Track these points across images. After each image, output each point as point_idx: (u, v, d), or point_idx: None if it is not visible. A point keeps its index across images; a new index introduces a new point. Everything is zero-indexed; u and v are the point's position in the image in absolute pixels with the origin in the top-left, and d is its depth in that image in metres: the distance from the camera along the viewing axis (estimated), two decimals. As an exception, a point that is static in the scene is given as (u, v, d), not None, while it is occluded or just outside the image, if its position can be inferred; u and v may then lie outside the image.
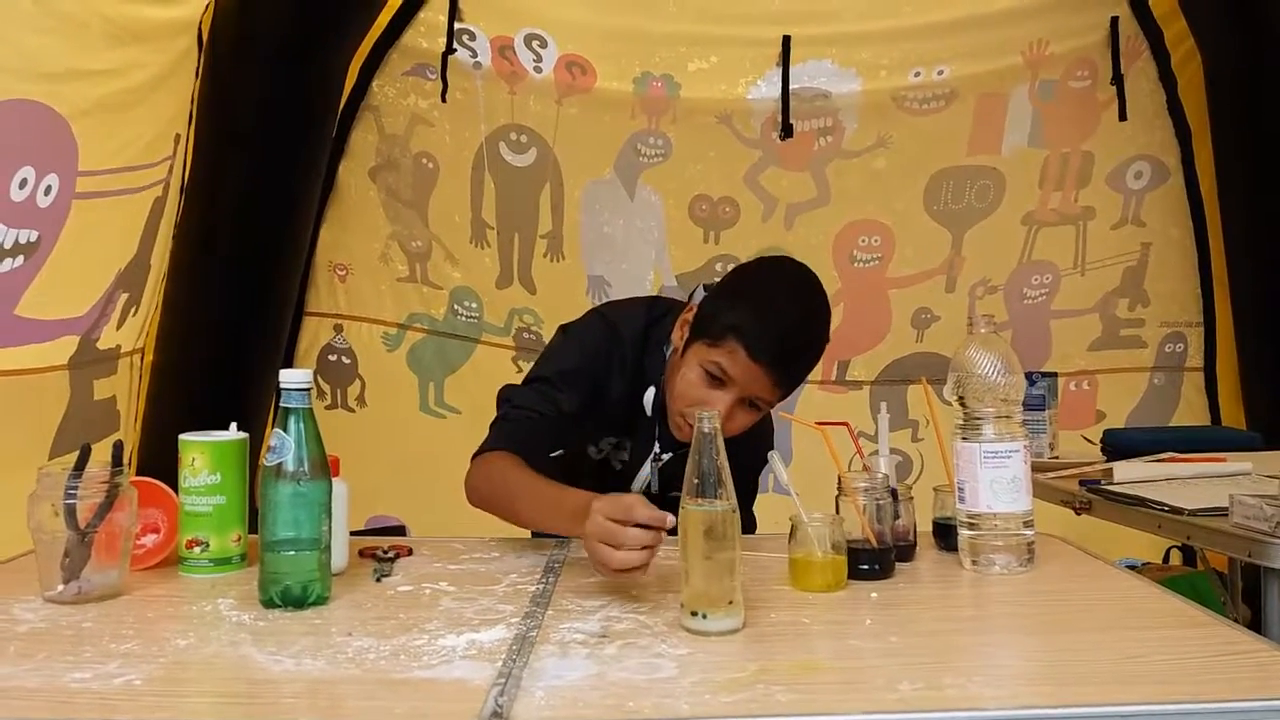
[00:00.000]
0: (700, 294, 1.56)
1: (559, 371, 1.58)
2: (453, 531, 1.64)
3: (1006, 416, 1.31)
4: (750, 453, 1.52)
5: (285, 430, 1.16)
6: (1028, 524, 1.30)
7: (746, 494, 1.77)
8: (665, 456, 1.64)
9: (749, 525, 1.79)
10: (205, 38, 2.31)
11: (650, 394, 1.60)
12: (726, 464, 1.09)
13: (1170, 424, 3.23)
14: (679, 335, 1.54)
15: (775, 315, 1.44)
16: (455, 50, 3.00)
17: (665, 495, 1.63)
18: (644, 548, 1.14)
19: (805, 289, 1.51)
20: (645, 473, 1.66)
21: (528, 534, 1.62)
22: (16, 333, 1.73)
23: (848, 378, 3.35)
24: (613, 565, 1.15)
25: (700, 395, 1.45)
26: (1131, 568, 2.78)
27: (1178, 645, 1.01)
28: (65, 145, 1.66)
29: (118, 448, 1.23)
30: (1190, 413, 3.30)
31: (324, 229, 3.17)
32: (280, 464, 1.15)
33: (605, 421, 1.63)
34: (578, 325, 1.67)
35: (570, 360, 1.60)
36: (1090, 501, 1.87)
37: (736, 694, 0.88)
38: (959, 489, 1.32)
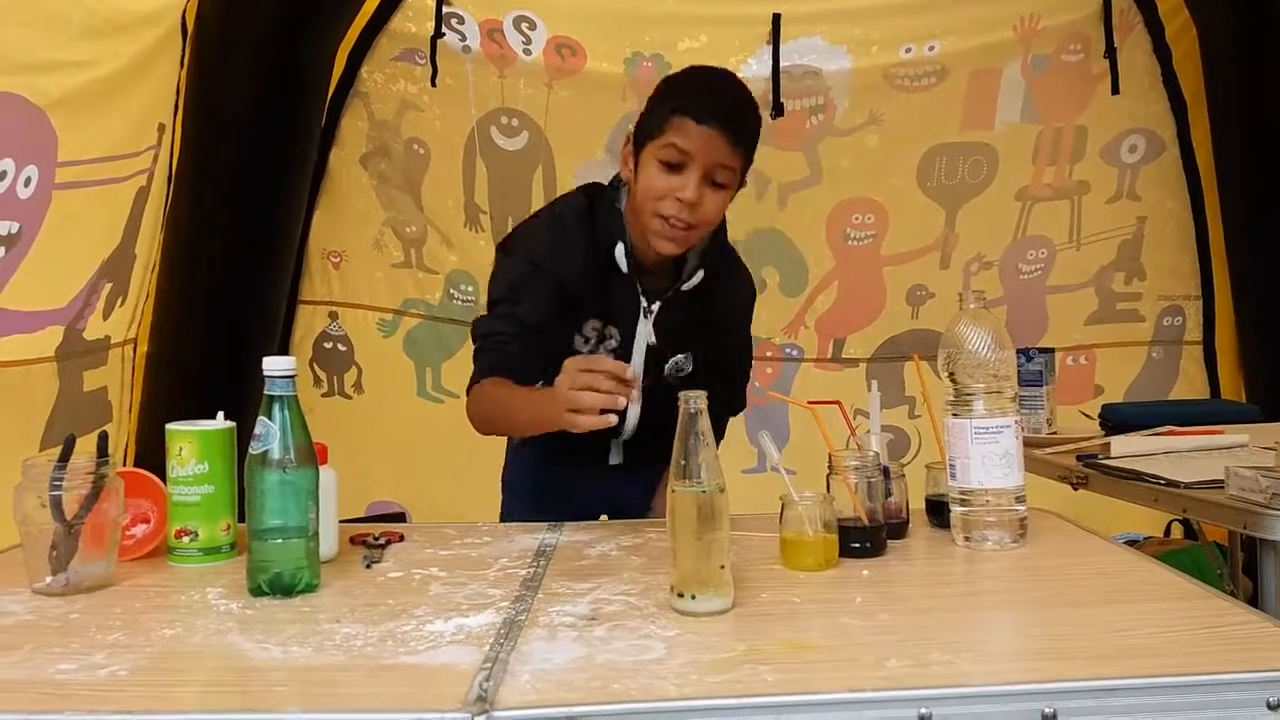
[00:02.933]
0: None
1: (510, 284, 1.58)
2: (455, 515, 1.63)
3: (997, 392, 1.30)
4: (727, 323, 1.62)
5: (270, 418, 1.15)
6: (1019, 499, 1.30)
7: (735, 365, 1.79)
8: (655, 306, 1.63)
9: (738, 404, 1.81)
10: (190, 26, 2.29)
11: (620, 249, 1.57)
12: (714, 444, 1.08)
13: (1169, 397, 3.22)
14: (626, 169, 1.56)
15: (708, 82, 1.54)
16: (444, 34, 2.98)
17: (658, 384, 1.64)
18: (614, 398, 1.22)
19: (720, 68, 1.61)
20: (638, 363, 1.63)
21: (520, 521, 1.62)
22: (1, 324, 1.72)
23: (843, 355, 3.33)
24: (587, 404, 1.23)
25: (666, 184, 1.48)
26: (1132, 542, 2.78)
27: (1169, 618, 1.01)
28: (44, 136, 1.65)
29: (103, 438, 1.22)
30: (1189, 386, 3.29)
31: (317, 217, 3.16)
32: (266, 452, 1.15)
33: (582, 304, 1.60)
34: (515, 234, 1.67)
35: (517, 269, 1.58)
36: (1087, 476, 1.86)
37: (724, 674, 0.88)
38: (950, 465, 1.32)
